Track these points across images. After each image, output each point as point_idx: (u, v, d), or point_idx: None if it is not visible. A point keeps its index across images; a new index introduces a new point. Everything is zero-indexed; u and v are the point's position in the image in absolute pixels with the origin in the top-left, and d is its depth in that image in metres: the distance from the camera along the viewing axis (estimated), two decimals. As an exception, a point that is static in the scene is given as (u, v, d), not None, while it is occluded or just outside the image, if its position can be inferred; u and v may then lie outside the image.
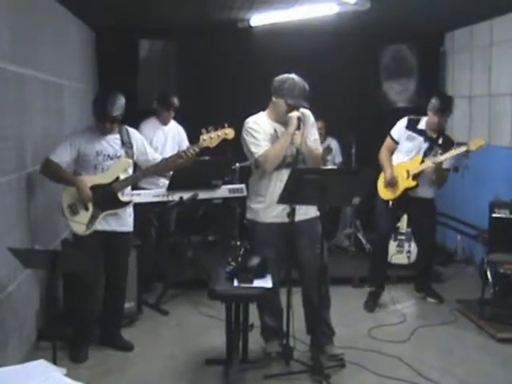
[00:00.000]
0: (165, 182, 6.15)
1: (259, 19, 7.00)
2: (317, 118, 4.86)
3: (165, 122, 6.60)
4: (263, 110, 4.73)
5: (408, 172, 5.82)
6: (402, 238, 6.85)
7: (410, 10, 6.48)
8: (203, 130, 4.88)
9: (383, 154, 6.01)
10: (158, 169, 4.96)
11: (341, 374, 4.61)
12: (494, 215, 5.91)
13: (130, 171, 4.93)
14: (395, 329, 5.56)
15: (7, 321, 4.34)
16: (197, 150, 4.86)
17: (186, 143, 6.71)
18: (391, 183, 5.86)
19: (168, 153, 6.04)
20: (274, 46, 7.51)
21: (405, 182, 5.84)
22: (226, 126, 4.88)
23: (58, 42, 5.97)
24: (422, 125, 5.89)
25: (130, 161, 4.90)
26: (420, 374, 4.57)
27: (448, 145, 5.86)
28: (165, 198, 5.94)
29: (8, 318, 4.36)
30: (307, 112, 4.69)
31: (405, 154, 5.91)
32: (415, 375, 4.57)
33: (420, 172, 5.79)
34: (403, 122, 5.97)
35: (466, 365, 4.78)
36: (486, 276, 5.69)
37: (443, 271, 7.14)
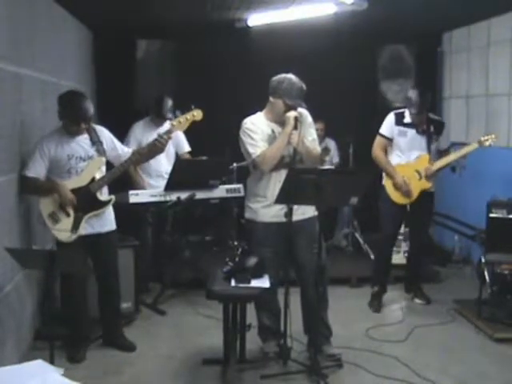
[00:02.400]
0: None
1: (257, 19, 7.00)
2: (317, 118, 4.86)
3: (158, 125, 6.56)
4: (261, 110, 4.73)
5: (419, 173, 5.84)
6: (400, 237, 6.85)
7: (408, 10, 6.48)
8: (171, 116, 4.88)
9: (380, 155, 5.97)
10: (133, 162, 4.90)
11: (338, 374, 4.61)
12: (491, 215, 5.91)
13: (104, 169, 4.88)
14: (392, 329, 5.57)
15: (4, 321, 4.34)
16: (169, 135, 4.85)
17: (184, 145, 6.68)
18: (405, 189, 5.82)
19: (161, 155, 6.01)
20: (271, 46, 7.50)
21: (419, 184, 5.85)
22: (193, 107, 4.89)
23: (56, 42, 5.96)
24: (407, 118, 5.91)
25: (103, 159, 4.84)
26: (417, 374, 4.57)
27: (440, 127, 5.98)
28: (162, 198, 5.92)
29: (5, 318, 4.36)
30: (305, 112, 4.69)
31: (404, 151, 5.92)
32: (412, 375, 4.57)
33: (433, 173, 5.83)
34: (391, 118, 5.98)
35: (464, 365, 4.79)
36: (484, 276, 5.69)
37: (441, 271, 7.14)
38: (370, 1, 5.87)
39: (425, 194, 5.91)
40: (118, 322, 5.20)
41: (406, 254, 6.74)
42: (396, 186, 5.86)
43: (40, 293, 5.25)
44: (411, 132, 5.89)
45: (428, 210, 6.14)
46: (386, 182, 5.92)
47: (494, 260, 5.62)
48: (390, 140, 5.97)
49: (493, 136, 5.86)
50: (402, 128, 5.92)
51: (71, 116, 4.70)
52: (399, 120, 5.94)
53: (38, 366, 2.76)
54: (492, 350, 5.09)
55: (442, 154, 6.02)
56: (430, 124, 5.91)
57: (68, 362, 4.73)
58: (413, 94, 5.81)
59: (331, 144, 8.04)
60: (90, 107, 4.72)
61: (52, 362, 3.74)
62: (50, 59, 5.68)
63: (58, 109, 4.77)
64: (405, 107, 5.97)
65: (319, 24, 6.94)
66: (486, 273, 5.72)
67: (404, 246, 6.86)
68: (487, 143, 5.82)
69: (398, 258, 6.86)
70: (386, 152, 6.03)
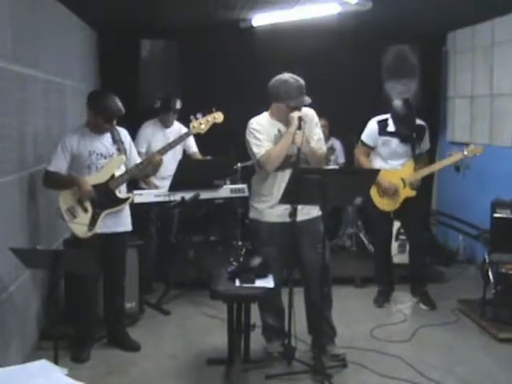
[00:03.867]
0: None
1: (261, 19, 7.00)
2: (319, 116, 4.85)
3: (166, 125, 6.59)
4: (266, 109, 4.72)
5: (403, 180, 5.85)
6: (404, 237, 6.85)
7: (412, 10, 6.47)
8: (192, 118, 4.90)
9: (364, 162, 5.99)
10: (149, 163, 4.95)
11: (342, 374, 4.60)
12: (495, 215, 5.91)
13: (124, 168, 4.92)
14: (397, 329, 5.56)
15: (9, 321, 4.35)
16: (160, 157, 4.95)
17: (191, 145, 6.69)
18: (392, 192, 5.85)
19: (169, 155, 6.04)
20: (275, 46, 7.50)
21: (403, 192, 5.87)
22: (214, 110, 4.89)
23: (60, 42, 5.97)
24: (391, 126, 5.89)
25: (124, 157, 4.89)
26: (421, 374, 4.57)
27: (422, 132, 5.96)
28: (166, 198, 5.93)
29: (10, 318, 4.37)
30: (311, 112, 4.70)
31: (387, 159, 5.93)
32: (417, 375, 4.56)
33: (418, 180, 5.83)
34: (373, 127, 5.95)
35: (468, 365, 4.78)
36: (488, 276, 5.68)
37: (445, 271, 7.13)
38: (374, 1, 5.87)
39: (410, 199, 5.91)
40: (123, 322, 5.21)
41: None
42: (383, 192, 5.88)
43: (45, 292, 5.26)
44: (395, 141, 5.89)
45: (413, 210, 6.06)
46: (372, 189, 5.85)
47: (498, 260, 5.61)
48: (372, 148, 6.00)
49: (479, 149, 5.82)
50: (385, 138, 5.91)
51: (105, 113, 4.77)
52: (383, 129, 5.91)
53: (42, 365, 2.76)
54: (496, 350, 5.08)
55: (419, 156, 6.01)
56: (413, 131, 5.90)
57: (72, 361, 4.73)
58: (399, 107, 5.81)
59: (336, 144, 8.04)
60: (122, 106, 4.80)
61: (56, 361, 3.73)
62: (53, 59, 5.68)
63: (88, 106, 4.85)
64: (387, 112, 5.95)
65: (323, 24, 6.94)
66: (490, 273, 5.71)
67: (408, 246, 6.84)
68: (471, 155, 5.77)
69: (402, 257, 6.85)
70: (368, 157, 6.06)
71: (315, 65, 7.08)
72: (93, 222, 4.76)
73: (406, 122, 5.79)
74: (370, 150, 6.01)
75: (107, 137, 4.88)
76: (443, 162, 5.89)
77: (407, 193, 5.87)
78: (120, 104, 4.80)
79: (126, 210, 5.01)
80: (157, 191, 6.03)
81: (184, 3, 6.26)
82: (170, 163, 6.00)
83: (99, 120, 4.78)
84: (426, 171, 5.90)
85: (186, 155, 6.70)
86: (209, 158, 6.52)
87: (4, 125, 4.33)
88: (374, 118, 6.02)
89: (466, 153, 5.77)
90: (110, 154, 4.84)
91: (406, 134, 5.83)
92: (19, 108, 4.67)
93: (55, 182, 4.77)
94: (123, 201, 4.90)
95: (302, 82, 4.56)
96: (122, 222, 4.97)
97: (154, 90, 7.75)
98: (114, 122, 4.82)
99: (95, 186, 4.72)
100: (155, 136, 6.48)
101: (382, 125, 5.93)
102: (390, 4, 6.24)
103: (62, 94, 5.99)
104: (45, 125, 5.36)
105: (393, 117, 5.85)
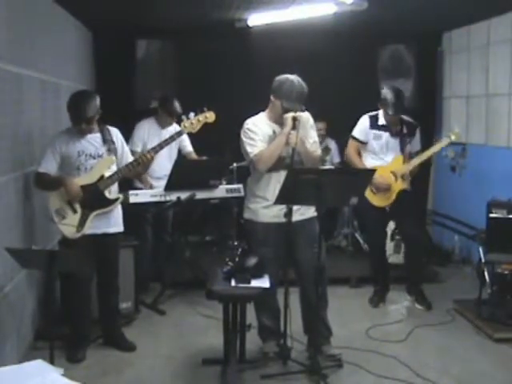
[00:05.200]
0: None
1: (257, 19, 6.99)
2: (318, 118, 4.84)
3: (163, 126, 6.55)
4: (261, 110, 4.72)
5: (394, 174, 5.85)
6: (399, 238, 6.85)
7: (408, 10, 6.48)
8: (183, 117, 4.88)
9: (355, 158, 6.00)
10: (139, 163, 4.90)
11: (338, 374, 4.61)
12: (491, 215, 5.90)
13: (114, 168, 4.87)
14: (392, 329, 5.57)
15: (4, 321, 4.34)
16: (152, 154, 4.87)
17: (186, 144, 6.67)
18: (385, 188, 5.84)
19: (164, 156, 6.03)
20: (271, 46, 7.50)
21: (395, 185, 5.85)
22: (206, 109, 4.88)
23: (56, 42, 5.97)
24: (381, 120, 5.94)
25: (114, 158, 4.85)
26: (417, 374, 4.57)
27: (413, 129, 5.98)
28: (162, 198, 5.92)
29: (5, 318, 4.36)
30: (306, 114, 4.68)
31: (378, 153, 5.95)
32: (412, 375, 4.57)
33: (407, 172, 5.83)
34: (365, 121, 5.99)
35: (463, 365, 4.79)
36: (484, 276, 5.70)
37: (441, 271, 7.13)
38: (370, 1, 5.87)
39: (402, 194, 5.90)
40: (118, 322, 5.20)
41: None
42: (376, 188, 5.85)
43: (40, 293, 5.25)
44: (386, 135, 5.91)
45: (408, 209, 6.06)
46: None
47: (494, 260, 5.62)
48: (363, 143, 6.00)
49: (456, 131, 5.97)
50: (376, 131, 5.94)
51: (70, 116, 4.74)
52: (374, 123, 5.96)
53: (38, 365, 2.76)
54: (492, 349, 5.09)
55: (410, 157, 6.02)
56: (402, 125, 5.94)
57: (68, 362, 4.73)
58: (388, 94, 5.82)
59: (332, 144, 8.05)
60: (90, 109, 4.68)
61: (52, 361, 3.74)
62: (49, 59, 5.68)
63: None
64: (378, 109, 5.98)
65: (319, 24, 6.94)
66: (485, 273, 5.72)
67: (404, 247, 6.85)
68: (457, 139, 5.90)
69: (398, 258, 6.86)
70: (359, 155, 6.06)
71: (311, 64, 7.07)
72: (82, 222, 4.73)
73: (395, 108, 5.77)
74: (361, 145, 6.01)
75: (97, 137, 4.84)
76: (431, 150, 5.87)
77: (400, 186, 5.86)
78: (84, 107, 4.67)
79: (118, 210, 4.98)
80: (152, 191, 6.03)
81: (180, 3, 6.25)
82: (165, 163, 6.00)
83: (73, 121, 4.75)
84: (415, 161, 5.87)
85: (181, 155, 6.69)
86: (205, 158, 6.51)
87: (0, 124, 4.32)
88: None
89: (453, 137, 5.86)
90: (99, 155, 4.80)
91: (395, 118, 5.86)
92: (15, 108, 4.66)
93: (45, 183, 4.75)
94: (112, 201, 4.86)
95: (306, 90, 4.54)
96: (113, 222, 4.93)
97: (150, 89, 7.77)
98: (84, 126, 4.70)
99: (84, 187, 4.69)
100: (151, 136, 6.43)
101: (373, 119, 5.97)
102: (386, 4, 6.24)
103: (57, 95, 5.98)
104: (40, 125, 5.35)
105: (382, 105, 5.87)
